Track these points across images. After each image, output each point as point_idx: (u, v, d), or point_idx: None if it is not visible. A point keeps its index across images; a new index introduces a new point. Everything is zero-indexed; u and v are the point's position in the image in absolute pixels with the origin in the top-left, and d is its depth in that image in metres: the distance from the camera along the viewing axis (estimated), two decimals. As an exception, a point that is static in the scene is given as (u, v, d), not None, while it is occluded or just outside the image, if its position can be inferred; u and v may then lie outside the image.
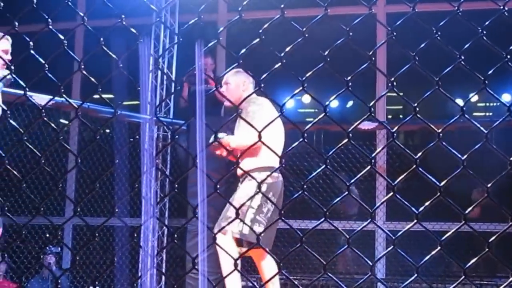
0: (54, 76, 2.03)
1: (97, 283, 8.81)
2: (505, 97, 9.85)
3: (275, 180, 5.15)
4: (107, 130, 10.39)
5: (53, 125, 2.05)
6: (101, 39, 1.97)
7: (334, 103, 10.71)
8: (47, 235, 9.34)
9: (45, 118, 2.00)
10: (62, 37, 1.96)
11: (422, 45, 1.95)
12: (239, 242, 5.06)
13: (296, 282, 4.44)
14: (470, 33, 2.02)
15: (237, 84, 5.52)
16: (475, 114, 10.20)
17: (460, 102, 2.12)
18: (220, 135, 5.11)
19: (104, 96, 2.08)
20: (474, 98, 9.23)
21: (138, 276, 6.61)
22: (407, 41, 2.00)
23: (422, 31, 1.98)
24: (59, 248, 9.39)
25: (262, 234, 4.94)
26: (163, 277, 8.86)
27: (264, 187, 5.11)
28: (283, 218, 1.94)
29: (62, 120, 9.18)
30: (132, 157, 7.75)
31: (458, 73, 2.03)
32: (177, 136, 4.99)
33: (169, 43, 9.59)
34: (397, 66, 1.90)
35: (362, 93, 9.99)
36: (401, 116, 11.12)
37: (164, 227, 9.10)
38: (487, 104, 10.42)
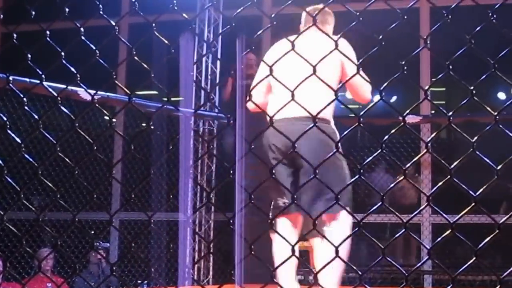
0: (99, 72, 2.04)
1: (144, 277, 8.90)
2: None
3: None
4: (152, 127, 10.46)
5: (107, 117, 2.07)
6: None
7: (377, 98, 10.68)
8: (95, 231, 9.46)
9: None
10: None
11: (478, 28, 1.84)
12: None
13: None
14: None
15: None
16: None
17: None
18: None
19: (149, 92, 2.10)
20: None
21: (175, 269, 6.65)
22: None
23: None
24: (108, 244, 9.49)
25: None
26: (211, 271, 8.94)
27: None
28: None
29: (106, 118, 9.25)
30: (173, 152, 7.77)
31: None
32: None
33: (213, 38, 9.60)
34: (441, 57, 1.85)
35: (405, 87, 9.99)
36: (444, 111, 11.17)
37: (210, 221, 9.17)
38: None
